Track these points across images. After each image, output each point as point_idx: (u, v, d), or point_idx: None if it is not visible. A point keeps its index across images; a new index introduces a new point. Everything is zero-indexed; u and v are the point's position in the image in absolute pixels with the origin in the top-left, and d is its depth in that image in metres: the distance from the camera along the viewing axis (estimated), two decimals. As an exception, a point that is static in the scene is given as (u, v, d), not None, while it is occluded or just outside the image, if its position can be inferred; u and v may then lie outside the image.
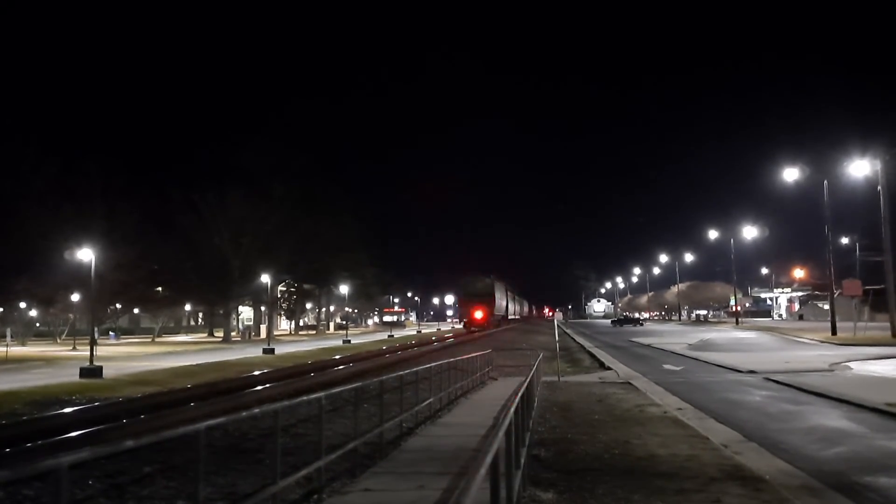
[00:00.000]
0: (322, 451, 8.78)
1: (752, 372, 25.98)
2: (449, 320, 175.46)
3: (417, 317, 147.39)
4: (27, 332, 61.79)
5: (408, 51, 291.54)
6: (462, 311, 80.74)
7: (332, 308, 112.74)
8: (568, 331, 72.64)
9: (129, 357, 39.70)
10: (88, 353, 29.57)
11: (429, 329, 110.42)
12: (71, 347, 48.56)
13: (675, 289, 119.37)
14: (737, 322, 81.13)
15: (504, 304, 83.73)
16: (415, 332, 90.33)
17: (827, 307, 54.34)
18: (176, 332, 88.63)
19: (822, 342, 42.80)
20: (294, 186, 71.34)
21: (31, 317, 67.42)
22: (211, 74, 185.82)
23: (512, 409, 7.06)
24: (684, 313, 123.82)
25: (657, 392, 21.32)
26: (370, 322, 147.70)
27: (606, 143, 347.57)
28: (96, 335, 37.98)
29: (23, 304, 59.35)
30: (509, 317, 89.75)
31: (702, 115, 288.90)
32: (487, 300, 74.08)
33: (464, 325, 76.23)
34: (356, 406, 11.25)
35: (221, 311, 74.22)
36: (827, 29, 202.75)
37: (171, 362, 34.03)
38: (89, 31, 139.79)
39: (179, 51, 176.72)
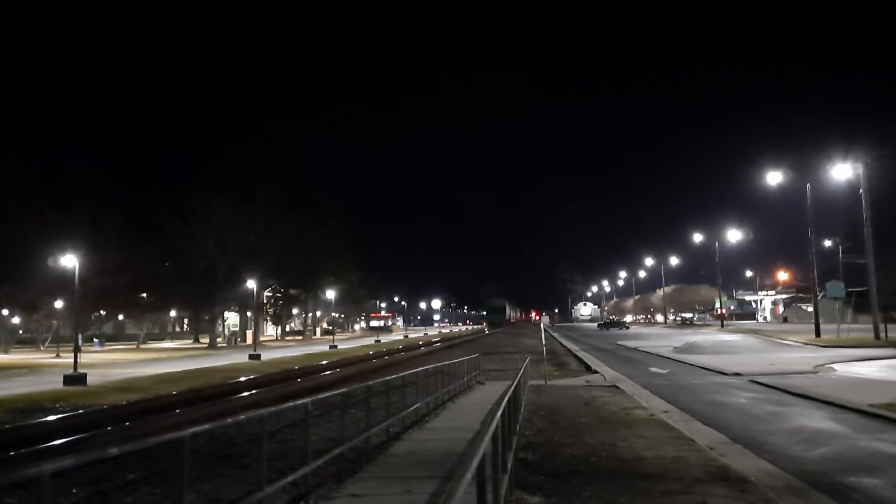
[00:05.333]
0: (308, 457, 8.74)
1: (737, 374, 26.15)
2: (436, 325, 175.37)
3: (404, 322, 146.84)
4: (9, 340, 61.01)
5: (394, 59, 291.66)
6: (487, 318, 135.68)
7: (318, 313, 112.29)
8: (554, 334, 72.80)
9: (113, 364, 39.34)
10: (72, 360, 29.27)
11: (416, 334, 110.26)
12: (54, 354, 48.03)
13: (660, 292, 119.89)
14: (722, 325, 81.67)
15: (508, 312, 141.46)
16: (402, 337, 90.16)
17: (811, 309, 54.74)
18: (161, 338, 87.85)
19: (806, 344, 43.13)
20: (279, 191, 71.06)
21: (14, 324, 66.65)
22: (197, 79, 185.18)
23: (499, 413, 7.06)
24: (670, 316, 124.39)
25: (643, 395, 21.40)
26: (357, 327, 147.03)
27: (591, 147, 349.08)
28: (80, 342, 37.65)
29: (5, 311, 58.66)
30: (510, 320, 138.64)
31: (685, 120, 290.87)
32: (501, 312, 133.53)
33: (488, 326, 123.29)
34: (343, 411, 11.21)
35: (207, 317, 73.70)
36: (810, 34, 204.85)
37: (156, 369, 33.76)
38: (74, 36, 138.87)
39: (165, 56, 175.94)
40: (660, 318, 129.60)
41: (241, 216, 66.41)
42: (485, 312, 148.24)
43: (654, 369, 31.29)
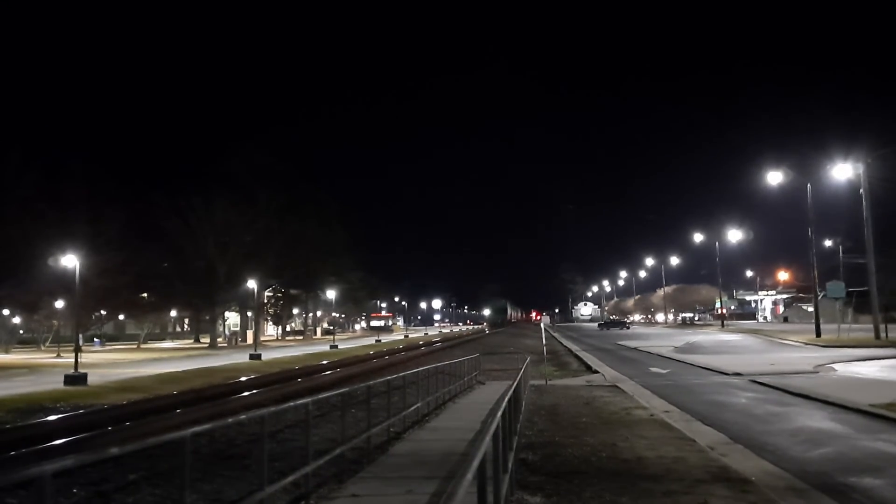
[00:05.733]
0: (309, 457, 8.74)
1: (737, 374, 26.15)
2: (437, 325, 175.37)
3: (405, 322, 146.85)
4: (10, 340, 61.01)
5: (395, 61, 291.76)
6: (490, 318, 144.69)
7: (319, 313, 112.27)
8: (555, 334, 72.78)
9: (114, 364, 39.34)
10: (73, 360, 29.27)
11: (417, 334, 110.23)
12: (55, 354, 48.03)
13: (661, 292, 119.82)
14: (722, 324, 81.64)
15: (509, 312, 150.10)
16: (402, 337, 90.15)
17: (811, 309, 54.70)
18: (161, 338, 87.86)
19: (807, 344, 43.11)
20: (280, 191, 71.04)
21: (15, 324, 66.67)
22: (198, 80, 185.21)
23: (499, 414, 7.06)
24: (670, 316, 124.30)
25: (644, 395, 21.39)
26: (357, 327, 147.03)
27: (592, 147, 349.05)
28: (81, 342, 37.62)
29: (6, 311, 58.67)
30: (511, 320, 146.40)
31: (687, 120, 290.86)
32: (502, 312, 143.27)
33: (492, 326, 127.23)
34: (343, 411, 11.21)
35: (207, 317, 73.70)
36: (811, 34, 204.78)
37: (157, 369, 33.76)
38: (76, 37, 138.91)
39: (166, 57, 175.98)
40: (660, 317, 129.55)
41: (242, 216, 66.42)
42: (485, 312, 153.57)
43: (654, 369, 31.28)
